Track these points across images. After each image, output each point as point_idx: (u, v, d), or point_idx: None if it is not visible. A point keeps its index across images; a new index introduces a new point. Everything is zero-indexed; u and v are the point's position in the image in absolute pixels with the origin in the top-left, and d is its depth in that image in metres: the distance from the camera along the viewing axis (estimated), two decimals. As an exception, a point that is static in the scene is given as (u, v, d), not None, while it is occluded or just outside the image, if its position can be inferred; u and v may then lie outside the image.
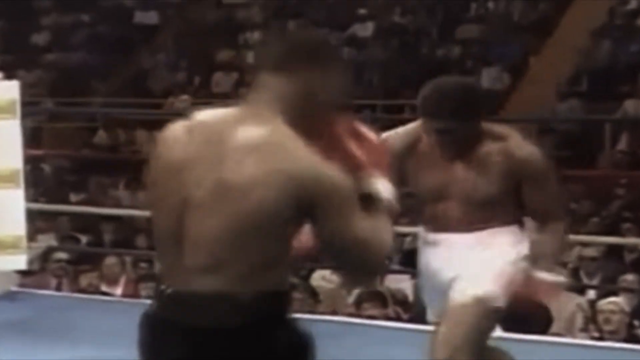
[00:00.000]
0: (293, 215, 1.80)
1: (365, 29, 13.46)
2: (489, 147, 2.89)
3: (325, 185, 1.79)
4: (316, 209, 1.79)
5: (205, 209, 1.83)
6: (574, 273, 6.10)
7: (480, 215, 2.87)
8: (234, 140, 1.84)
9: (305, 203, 1.79)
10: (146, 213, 8.15)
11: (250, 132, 1.84)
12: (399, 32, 13.12)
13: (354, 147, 1.90)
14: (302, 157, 1.79)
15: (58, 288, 6.31)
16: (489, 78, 12.06)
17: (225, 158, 1.83)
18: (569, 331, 5.46)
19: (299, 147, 1.81)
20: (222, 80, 13.50)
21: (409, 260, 5.22)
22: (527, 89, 11.66)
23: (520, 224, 2.98)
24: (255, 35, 14.18)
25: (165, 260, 1.91)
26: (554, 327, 5.36)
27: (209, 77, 13.57)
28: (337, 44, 13.28)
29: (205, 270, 1.83)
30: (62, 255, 6.63)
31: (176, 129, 1.94)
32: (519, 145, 2.92)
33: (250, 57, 13.86)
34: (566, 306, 5.61)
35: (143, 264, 6.55)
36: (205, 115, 1.94)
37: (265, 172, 1.79)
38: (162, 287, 1.88)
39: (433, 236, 2.93)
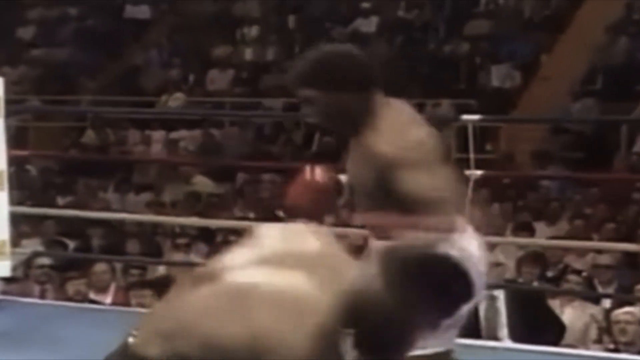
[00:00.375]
0: None
1: (369, 24, 13.46)
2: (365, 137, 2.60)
3: None
4: None
5: None
6: (588, 281, 6.10)
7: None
8: None
9: None
10: (136, 217, 8.14)
11: None
12: (404, 27, 13.12)
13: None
14: None
15: (42, 295, 6.30)
16: (499, 76, 12.06)
17: None
18: (582, 342, 5.46)
19: None
20: (217, 78, 13.50)
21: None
22: (539, 87, 11.66)
23: None
24: (253, 31, 14.18)
25: None
26: (567, 338, 5.35)
27: (204, 75, 13.57)
28: (340, 40, 13.29)
29: None
30: (45, 260, 6.61)
31: None
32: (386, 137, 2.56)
33: (247, 53, 13.86)
34: (580, 316, 5.60)
35: (134, 271, 6.54)
36: None
37: None
38: None
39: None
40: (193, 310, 1.83)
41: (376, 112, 2.56)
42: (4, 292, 5.61)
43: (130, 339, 1.92)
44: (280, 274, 1.77)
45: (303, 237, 1.87)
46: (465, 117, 5.29)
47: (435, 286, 1.66)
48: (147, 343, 1.88)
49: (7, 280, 5.58)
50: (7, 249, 4.74)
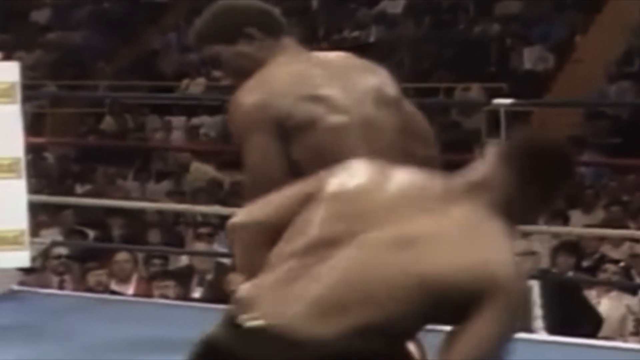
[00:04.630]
0: None
1: (396, 5, 13.43)
2: None
3: None
4: None
5: None
6: (625, 272, 6.08)
7: None
8: None
9: None
10: (157, 205, 8.17)
11: None
12: (432, 8, 13.09)
13: None
14: None
15: (60, 286, 6.35)
16: (531, 58, 12.02)
17: None
18: (619, 334, 5.45)
19: None
20: (238, 62, 13.51)
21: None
22: (573, 70, 11.61)
23: None
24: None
25: None
26: (604, 330, 5.35)
27: (224, 58, 13.57)
28: (365, 22, 13.29)
29: None
30: (62, 250, 6.66)
31: None
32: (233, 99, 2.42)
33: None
34: (617, 308, 5.59)
35: (156, 261, 6.58)
36: None
37: None
38: None
39: None
40: (389, 267, 1.79)
41: (265, 64, 2.43)
42: (22, 283, 5.66)
43: (254, 323, 1.79)
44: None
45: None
46: (497, 101, 5.28)
47: None
48: (304, 322, 1.77)
49: (25, 270, 5.63)
50: (26, 238, 4.77)
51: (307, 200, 1.90)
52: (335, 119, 2.30)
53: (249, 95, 2.33)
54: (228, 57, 2.46)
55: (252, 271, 1.91)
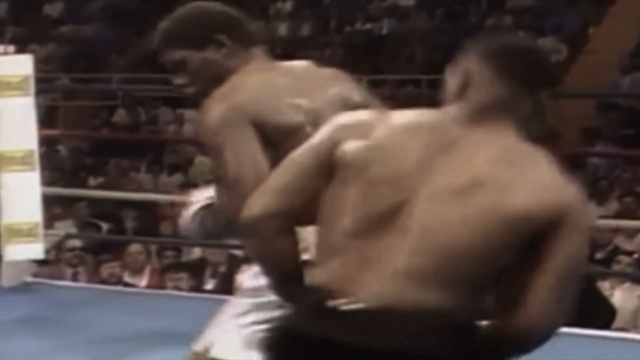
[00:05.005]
0: None
1: (408, -2, 13.42)
2: None
3: None
4: None
5: None
6: (639, 263, 6.08)
7: None
8: None
9: None
10: (170, 197, 8.23)
11: None
12: (444, 0, 13.07)
13: None
14: None
15: (74, 278, 6.37)
16: (545, 50, 11.99)
17: None
18: (633, 326, 5.45)
19: None
20: (251, 54, 13.52)
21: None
22: (586, 61, 11.58)
23: None
24: (287, 6, 14.18)
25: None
26: (617, 322, 5.34)
27: (237, 51, 13.59)
28: (377, 15, 13.27)
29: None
30: (76, 242, 6.68)
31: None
32: (203, 109, 2.30)
33: (282, 28, 13.87)
34: (630, 299, 5.59)
35: (169, 253, 6.60)
36: None
37: None
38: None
39: None
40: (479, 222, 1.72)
41: (234, 72, 2.34)
42: (36, 275, 5.68)
43: (355, 306, 1.71)
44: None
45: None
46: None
47: None
48: (404, 296, 1.70)
49: (39, 262, 5.65)
50: (40, 230, 4.79)
51: (320, 171, 1.82)
52: (311, 127, 2.17)
53: (222, 101, 2.24)
54: (195, 63, 2.38)
55: (278, 262, 1.87)
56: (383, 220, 1.73)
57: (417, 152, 1.76)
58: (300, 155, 1.86)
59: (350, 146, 1.80)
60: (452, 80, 1.86)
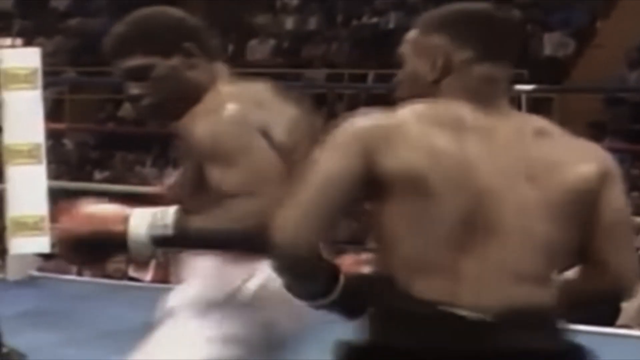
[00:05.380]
0: None
1: (415, -9, 13.41)
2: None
3: None
4: None
5: None
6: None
7: None
8: None
9: None
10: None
11: None
12: (452, -6, 13.06)
13: None
14: None
15: (79, 273, 6.39)
16: (552, 44, 11.97)
17: None
18: (637, 323, 5.44)
19: None
20: (257, 48, 13.53)
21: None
22: (594, 56, 11.56)
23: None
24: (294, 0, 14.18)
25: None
26: (622, 319, 5.34)
27: (243, 45, 13.60)
28: (384, 9, 13.27)
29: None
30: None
31: None
32: (199, 119, 2.12)
33: (288, 22, 13.87)
34: (635, 297, 5.58)
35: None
36: None
37: None
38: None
39: None
40: None
41: (211, 84, 2.19)
42: (41, 269, 5.70)
43: (478, 315, 1.69)
44: None
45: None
46: (519, 87, 5.27)
47: None
48: (525, 298, 1.71)
49: (44, 256, 5.67)
50: (46, 224, 4.81)
51: (355, 188, 1.74)
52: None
53: (220, 112, 2.07)
54: (160, 72, 2.15)
55: (312, 283, 1.77)
56: (468, 227, 1.71)
57: (465, 149, 1.74)
58: (331, 171, 1.75)
59: (395, 158, 1.73)
60: (421, 62, 1.82)
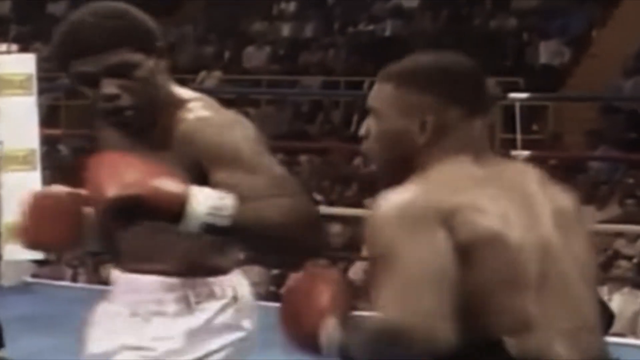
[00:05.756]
0: None
1: (412, -1, 13.44)
2: (170, 120, 1.99)
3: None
4: None
5: None
6: (638, 268, 6.09)
7: (149, 241, 2.00)
8: None
9: None
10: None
11: None
12: (449, 1, 13.09)
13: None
14: None
15: (74, 279, 6.40)
16: (548, 52, 12.00)
17: None
18: (631, 331, 5.46)
19: None
20: (254, 55, 13.55)
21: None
22: (590, 64, 11.59)
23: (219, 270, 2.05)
24: (291, 6, 14.20)
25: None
26: (616, 327, 5.35)
27: (240, 51, 13.62)
28: (381, 16, 13.29)
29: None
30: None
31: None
32: (190, 113, 1.99)
33: (285, 29, 13.89)
34: (629, 304, 5.60)
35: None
36: None
37: None
38: None
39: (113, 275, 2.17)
40: None
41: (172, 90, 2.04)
42: (36, 275, 5.70)
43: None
44: None
45: None
46: (513, 95, 5.29)
47: None
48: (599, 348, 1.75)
49: (39, 262, 5.67)
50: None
51: (453, 257, 1.68)
52: None
53: (224, 117, 2.00)
54: (144, 71, 1.96)
55: None
56: (546, 280, 1.71)
57: (518, 207, 1.74)
58: (438, 262, 1.66)
59: (478, 224, 1.68)
60: (405, 121, 1.76)
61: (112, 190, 1.80)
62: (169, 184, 1.81)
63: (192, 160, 1.94)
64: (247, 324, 2.07)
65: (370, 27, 13.31)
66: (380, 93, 1.78)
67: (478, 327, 1.68)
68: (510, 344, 1.68)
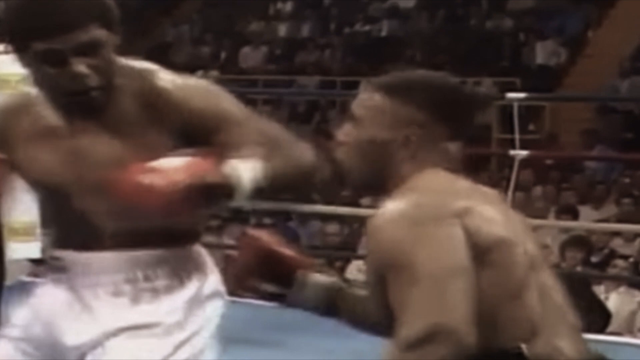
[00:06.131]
0: None
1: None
2: (127, 93, 1.94)
3: None
4: None
5: None
6: (634, 267, 6.09)
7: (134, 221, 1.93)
8: None
9: None
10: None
11: None
12: (445, 2, 13.09)
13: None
14: None
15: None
16: (545, 53, 12.01)
17: None
18: (628, 330, 5.46)
19: None
20: (250, 55, 13.55)
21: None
22: (586, 65, 11.61)
23: (197, 237, 2.04)
24: (287, 6, 14.20)
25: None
26: (612, 326, 5.36)
27: (236, 51, 13.62)
28: (377, 16, 13.29)
29: None
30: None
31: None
32: (167, 83, 1.97)
33: (281, 29, 13.89)
34: (626, 303, 5.61)
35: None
36: None
37: None
38: None
39: (60, 255, 2.04)
40: None
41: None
42: (32, 274, 5.68)
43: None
44: None
45: None
46: (511, 95, 5.29)
47: None
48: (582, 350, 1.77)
49: (35, 261, 5.65)
50: (37, 230, 4.81)
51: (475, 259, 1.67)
52: None
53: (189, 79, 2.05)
54: (111, 49, 1.91)
55: None
56: (539, 284, 1.73)
57: (505, 216, 1.75)
58: (459, 259, 1.66)
59: (490, 228, 1.69)
60: (389, 132, 1.76)
61: (180, 178, 1.79)
62: (215, 168, 1.82)
63: (179, 127, 1.91)
64: (222, 288, 2.05)
65: (367, 28, 13.31)
66: (366, 101, 1.78)
67: (490, 334, 1.67)
68: (525, 350, 1.68)
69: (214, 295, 2.02)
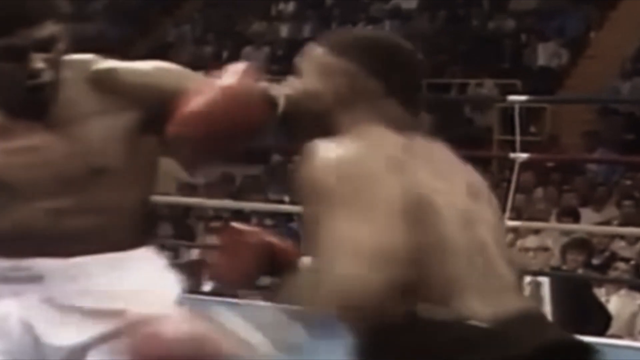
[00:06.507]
0: None
1: (410, 0, 13.44)
2: (74, 84, 1.97)
3: None
4: None
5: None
6: (636, 270, 6.10)
7: (92, 219, 1.92)
8: None
9: None
10: (169, 199, 8.31)
11: None
12: (446, 3, 13.10)
13: None
14: None
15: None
16: (546, 54, 12.01)
17: None
18: (629, 333, 5.46)
19: None
20: (252, 55, 13.55)
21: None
22: (587, 66, 11.60)
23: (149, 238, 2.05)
24: (289, 7, 14.20)
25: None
26: (613, 328, 5.36)
27: (238, 51, 13.62)
28: (379, 16, 13.30)
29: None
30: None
31: None
32: (104, 61, 2.04)
33: (283, 29, 13.89)
34: (627, 306, 5.60)
35: (167, 254, 6.61)
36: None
37: None
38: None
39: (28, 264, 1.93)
40: None
41: None
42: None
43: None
44: None
45: None
46: (512, 97, 5.28)
47: None
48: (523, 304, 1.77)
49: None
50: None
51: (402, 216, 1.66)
52: None
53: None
54: (63, 45, 1.95)
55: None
56: (472, 245, 1.72)
57: (441, 176, 1.75)
58: (388, 214, 1.66)
59: (417, 187, 1.69)
60: (323, 82, 1.80)
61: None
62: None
63: (138, 105, 1.97)
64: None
65: (369, 28, 13.31)
66: (309, 55, 1.85)
67: (407, 294, 1.65)
68: (426, 312, 1.66)
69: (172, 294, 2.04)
